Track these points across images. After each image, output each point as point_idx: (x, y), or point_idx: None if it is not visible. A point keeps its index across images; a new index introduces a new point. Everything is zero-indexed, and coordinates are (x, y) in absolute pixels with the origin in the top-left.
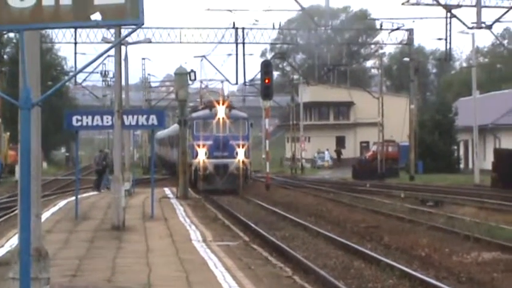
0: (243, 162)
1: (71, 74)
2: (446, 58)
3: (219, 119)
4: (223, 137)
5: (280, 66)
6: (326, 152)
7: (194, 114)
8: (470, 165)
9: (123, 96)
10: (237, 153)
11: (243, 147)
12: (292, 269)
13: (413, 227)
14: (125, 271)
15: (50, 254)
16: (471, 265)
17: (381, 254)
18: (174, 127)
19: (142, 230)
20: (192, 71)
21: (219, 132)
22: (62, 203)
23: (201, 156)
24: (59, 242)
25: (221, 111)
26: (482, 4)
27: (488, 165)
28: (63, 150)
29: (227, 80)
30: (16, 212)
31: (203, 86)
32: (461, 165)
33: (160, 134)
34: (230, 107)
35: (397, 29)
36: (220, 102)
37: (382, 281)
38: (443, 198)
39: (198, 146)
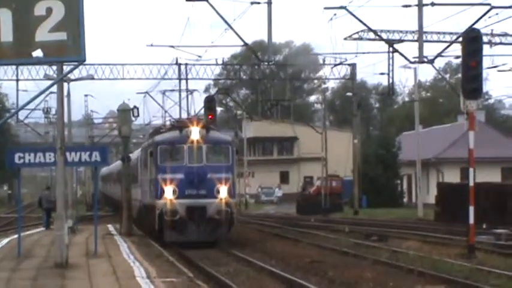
0: (226, 203)
1: (13, 111)
2: (389, 93)
3: (192, 143)
4: (198, 168)
5: (224, 101)
6: (276, 189)
7: (158, 138)
8: (414, 199)
9: (66, 133)
10: (218, 191)
11: (226, 183)
12: None
13: (358, 261)
14: None
15: None
16: None
17: None
18: (117, 163)
19: (86, 267)
20: (135, 107)
21: (193, 161)
22: (4, 241)
23: (168, 196)
24: (1, 281)
25: (195, 132)
26: (424, 39)
27: (431, 199)
28: (5, 187)
29: (170, 116)
30: None
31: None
32: (405, 199)
33: (104, 170)
34: (207, 128)
35: (340, 63)
36: (194, 122)
37: None
38: (388, 232)
39: (164, 181)
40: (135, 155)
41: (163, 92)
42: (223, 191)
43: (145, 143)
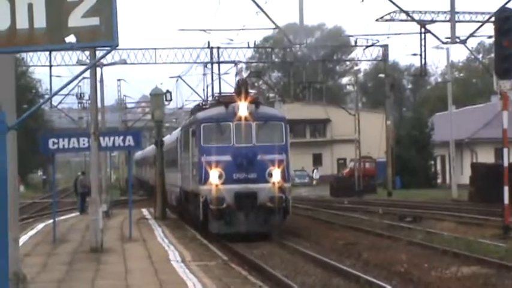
0: (279, 188)
1: (47, 96)
2: (421, 73)
3: (240, 120)
4: (247, 149)
5: (256, 84)
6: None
7: (201, 115)
8: (448, 180)
9: (99, 118)
10: (270, 175)
11: (279, 166)
12: None
13: (392, 243)
14: None
15: (29, 277)
16: (450, 280)
17: (360, 271)
18: (151, 148)
19: (120, 251)
20: (167, 91)
21: (241, 141)
22: (40, 226)
23: (214, 181)
24: (38, 266)
25: (243, 108)
26: (456, 19)
27: (465, 179)
28: (40, 173)
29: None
30: None
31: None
32: (439, 180)
33: (138, 154)
34: (257, 103)
35: (372, 45)
36: (242, 96)
37: None
38: (422, 213)
39: (209, 164)
40: (171, 137)
41: (205, 65)
42: (276, 174)
43: (185, 121)
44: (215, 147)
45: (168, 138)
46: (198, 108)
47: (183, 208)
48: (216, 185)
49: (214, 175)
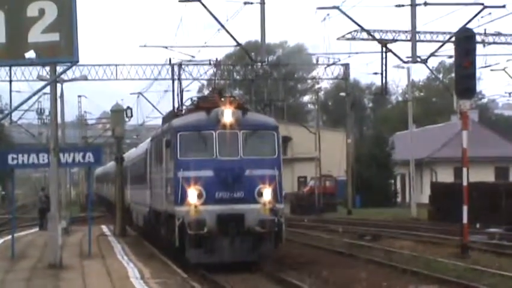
0: (271, 209)
1: (6, 112)
2: (382, 92)
3: (225, 128)
4: (233, 163)
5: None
6: None
7: (177, 122)
8: (408, 199)
9: (59, 134)
10: (260, 194)
11: (270, 183)
12: None
13: (352, 261)
14: None
15: None
16: None
17: None
18: (112, 164)
19: (79, 268)
20: (128, 107)
21: (226, 154)
22: None
23: (192, 201)
24: None
25: (228, 114)
26: (417, 39)
27: (425, 198)
28: None
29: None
30: None
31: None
32: (399, 199)
33: (99, 171)
34: (244, 108)
35: (333, 63)
36: (226, 100)
37: None
38: (381, 232)
39: (186, 181)
40: (137, 150)
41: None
42: (267, 193)
43: (157, 130)
44: (194, 160)
45: (133, 152)
46: (173, 114)
47: (152, 231)
48: (195, 206)
49: (193, 194)
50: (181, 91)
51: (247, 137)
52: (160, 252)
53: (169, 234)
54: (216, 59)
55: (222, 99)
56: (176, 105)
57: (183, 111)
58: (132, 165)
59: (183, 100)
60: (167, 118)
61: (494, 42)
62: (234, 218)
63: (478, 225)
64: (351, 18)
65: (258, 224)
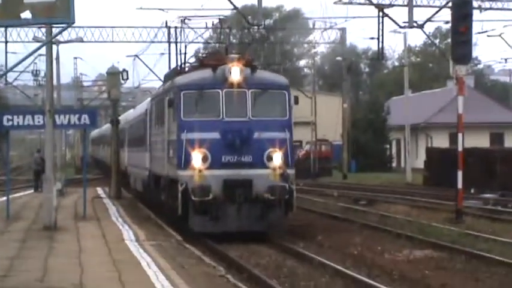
0: (281, 175)
1: (1, 73)
2: (378, 57)
3: (232, 87)
4: (241, 124)
5: None
6: None
7: (181, 80)
8: (403, 164)
9: (55, 95)
10: (270, 158)
11: (281, 147)
12: (225, 268)
13: (347, 225)
14: (57, 271)
15: None
16: (403, 263)
17: (314, 253)
18: (107, 126)
19: (74, 230)
20: (124, 70)
21: (233, 115)
22: None
23: (197, 165)
24: None
25: (236, 72)
26: (414, 3)
27: (420, 163)
28: None
29: (160, 80)
30: None
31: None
32: (394, 164)
33: (94, 133)
34: (252, 66)
35: (330, 28)
36: (234, 57)
37: (315, 279)
38: (376, 196)
39: (190, 143)
40: (136, 110)
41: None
42: (277, 157)
43: (159, 88)
44: (199, 121)
45: (131, 113)
46: (176, 71)
47: (152, 196)
48: (200, 170)
49: (198, 157)
50: (185, 46)
51: (256, 97)
52: (156, 215)
53: (171, 201)
54: (219, 18)
55: (229, 55)
56: (179, 63)
57: (187, 68)
58: (129, 127)
59: (186, 57)
60: (169, 76)
61: (490, 8)
62: (241, 183)
63: (472, 191)
64: None
65: (267, 191)
